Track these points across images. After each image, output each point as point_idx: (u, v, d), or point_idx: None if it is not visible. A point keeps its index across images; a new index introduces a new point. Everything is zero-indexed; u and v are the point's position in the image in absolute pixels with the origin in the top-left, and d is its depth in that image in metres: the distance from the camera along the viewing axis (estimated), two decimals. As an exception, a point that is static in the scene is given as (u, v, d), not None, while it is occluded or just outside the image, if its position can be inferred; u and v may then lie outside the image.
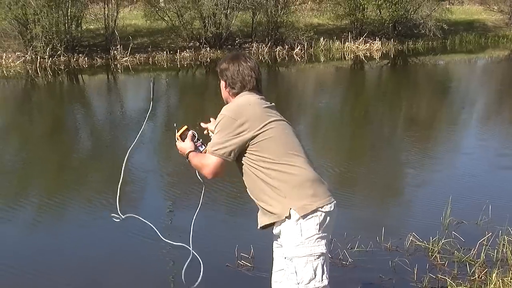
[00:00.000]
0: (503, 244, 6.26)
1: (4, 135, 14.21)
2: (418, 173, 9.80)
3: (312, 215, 3.75)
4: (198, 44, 28.12)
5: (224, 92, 4.11)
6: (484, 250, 6.12)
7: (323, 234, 3.79)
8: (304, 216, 3.75)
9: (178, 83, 23.96)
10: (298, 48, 28.67)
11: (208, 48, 27.87)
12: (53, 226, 7.98)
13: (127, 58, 26.51)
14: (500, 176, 9.61)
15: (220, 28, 27.69)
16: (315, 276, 3.77)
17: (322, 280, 3.79)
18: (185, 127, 4.21)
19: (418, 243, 6.55)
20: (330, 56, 28.79)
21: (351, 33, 30.10)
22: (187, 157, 4.08)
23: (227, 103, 4.07)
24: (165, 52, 27.30)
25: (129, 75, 25.04)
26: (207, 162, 3.89)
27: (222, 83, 4.10)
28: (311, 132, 13.55)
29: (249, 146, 3.80)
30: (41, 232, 7.74)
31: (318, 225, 3.76)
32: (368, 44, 30.09)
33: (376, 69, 26.93)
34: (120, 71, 25.45)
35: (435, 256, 6.24)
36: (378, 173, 9.85)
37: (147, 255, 6.65)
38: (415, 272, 5.82)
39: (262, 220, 3.96)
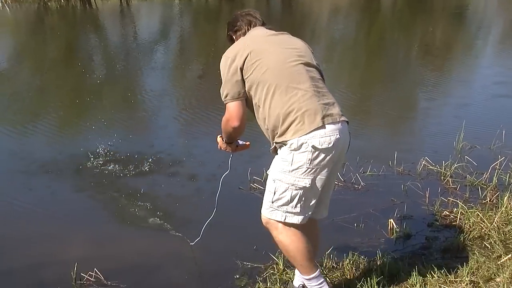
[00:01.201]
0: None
1: (18, 59, 14.22)
2: (432, 97, 9.80)
3: (306, 149, 3.70)
4: (212, -32, 27.72)
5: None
6: (497, 174, 6.14)
7: (315, 169, 3.75)
8: (297, 148, 3.72)
9: (191, 9, 23.74)
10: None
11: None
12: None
13: (140, -18, 26.24)
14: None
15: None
16: (290, 202, 3.80)
17: (295, 207, 3.81)
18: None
19: (430, 167, 6.58)
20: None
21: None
22: (220, 137, 4.20)
23: None
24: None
25: (142, 0, 24.84)
26: (226, 115, 3.89)
27: (234, 37, 4.08)
28: (326, 59, 13.45)
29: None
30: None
31: (309, 160, 3.71)
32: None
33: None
34: (133, -4, 25.26)
35: (447, 180, 6.27)
36: (392, 98, 9.85)
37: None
38: (427, 196, 5.84)
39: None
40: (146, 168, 7.01)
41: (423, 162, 6.61)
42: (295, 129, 3.68)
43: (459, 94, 10.00)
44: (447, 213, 5.56)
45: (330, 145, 3.69)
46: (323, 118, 3.67)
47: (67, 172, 6.96)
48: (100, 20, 21.11)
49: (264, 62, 3.76)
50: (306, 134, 3.65)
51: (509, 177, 6.18)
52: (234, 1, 24.88)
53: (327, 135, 3.68)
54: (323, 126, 3.67)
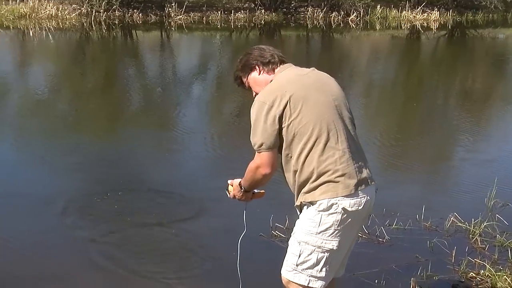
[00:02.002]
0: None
1: (57, 86, 14.32)
2: (466, 150, 9.53)
3: (335, 211, 3.60)
4: (253, 5, 27.92)
5: (260, 80, 3.85)
6: (528, 236, 5.92)
7: (343, 231, 3.66)
8: (326, 209, 3.61)
9: (231, 44, 23.81)
10: (354, 14, 28.25)
11: (263, 10, 27.64)
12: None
13: (181, 16, 26.49)
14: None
15: (276, -10, 27.45)
16: (315, 265, 3.69)
17: (320, 271, 3.70)
18: (228, 182, 4.13)
19: (459, 224, 6.36)
20: (386, 25, 28.31)
21: (409, 2, 29.44)
22: (242, 187, 3.96)
23: None
24: (219, 12, 27.18)
25: (182, 34, 25.05)
26: (256, 162, 3.72)
27: (253, 74, 3.87)
28: (362, 102, 13.30)
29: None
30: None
31: (338, 222, 3.62)
32: (425, 14, 29.45)
33: (432, 40, 26.38)
34: (173, 29, 25.47)
35: (476, 239, 6.05)
36: (425, 148, 9.66)
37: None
38: (453, 255, 5.64)
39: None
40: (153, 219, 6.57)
41: (452, 218, 6.39)
42: (326, 189, 3.57)
43: (493, 149, 9.71)
44: (474, 274, 5.34)
45: (360, 208, 3.62)
46: (356, 184, 3.59)
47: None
48: (140, 51, 21.26)
49: (305, 113, 3.59)
50: (336, 197, 3.56)
51: (540, 240, 5.95)
52: (274, 38, 24.91)
53: (358, 198, 3.61)
54: (356, 193, 3.60)
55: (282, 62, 3.85)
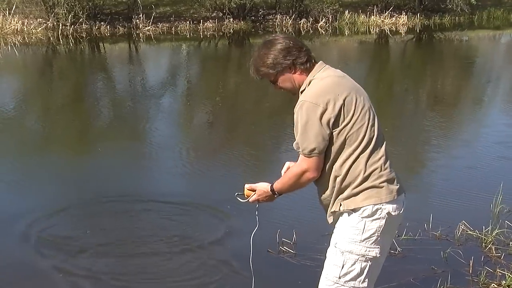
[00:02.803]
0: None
1: (24, 102, 13.92)
2: (463, 156, 9.32)
3: (379, 216, 3.52)
4: (221, 14, 27.65)
5: (297, 79, 3.64)
6: (543, 243, 5.78)
7: (383, 237, 3.58)
8: (371, 215, 3.52)
9: (200, 53, 23.59)
10: (323, 21, 28.14)
11: (231, 19, 27.40)
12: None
13: (149, 27, 26.13)
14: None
15: (244, -2, 27.26)
16: (359, 276, 3.58)
17: (363, 282, 3.60)
18: (245, 186, 3.95)
19: (469, 232, 6.21)
20: (355, 30, 28.26)
21: (377, 7, 29.47)
22: (275, 191, 3.77)
23: (301, 92, 3.63)
24: (188, 22, 26.90)
25: (151, 45, 24.74)
26: (303, 166, 3.55)
27: (286, 73, 3.63)
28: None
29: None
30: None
31: (381, 228, 3.54)
32: (394, 18, 29.45)
33: (401, 44, 26.40)
34: (142, 40, 25.13)
35: (490, 247, 5.90)
36: (420, 156, 9.50)
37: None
38: (471, 265, 5.50)
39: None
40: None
41: (462, 227, 6.24)
42: (370, 194, 3.48)
43: (494, 154, 9.50)
44: (495, 286, 5.20)
45: (400, 212, 3.57)
46: (397, 190, 3.54)
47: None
48: (108, 64, 20.91)
49: (356, 118, 3.48)
50: (381, 202, 3.48)
51: (556, 246, 5.82)
52: (244, 47, 24.76)
53: (399, 202, 3.56)
54: (397, 199, 3.54)
55: (313, 58, 3.67)
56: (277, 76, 3.64)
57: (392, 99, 14.52)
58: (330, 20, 28.22)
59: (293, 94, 3.71)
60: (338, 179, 3.51)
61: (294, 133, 3.59)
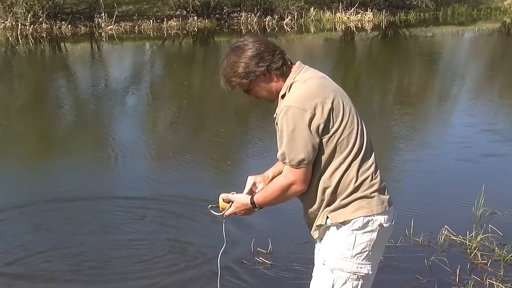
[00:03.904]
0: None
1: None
2: (436, 158, 9.00)
3: (371, 229, 3.22)
4: (185, 12, 27.27)
5: (274, 86, 3.30)
6: (531, 248, 5.52)
7: (374, 251, 3.28)
8: (362, 227, 3.21)
9: (164, 52, 23.20)
10: (288, 18, 27.90)
11: (195, 17, 27.04)
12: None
13: (112, 26, 25.68)
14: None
15: (208, -4, 26.91)
16: None
17: None
18: (220, 197, 3.54)
19: (452, 237, 5.95)
20: (321, 27, 28.09)
21: (342, 3, 29.31)
22: (255, 204, 3.38)
23: (282, 96, 3.28)
24: (151, 21, 26.47)
25: (113, 44, 24.31)
26: (290, 179, 3.19)
27: (262, 80, 3.27)
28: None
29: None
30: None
31: (372, 241, 3.24)
32: (359, 15, 29.35)
33: (366, 41, 26.30)
34: (104, 39, 24.69)
35: (475, 253, 5.63)
36: (393, 156, 9.22)
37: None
38: (457, 273, 5.22)
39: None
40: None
41: (444, 232, 5.96)
42: (360, 205, 3.16)
43: (475, 155, 9.24)
44: (484, 295, 4.92)
45: (392, 224, 3.28)
46: (389, 200, 3.25)
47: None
48: (70, 64, 20.41)
49: (345, 122, 3.15)
50: (372, 214, 3.17)
51: (544, 252, 5.57)
52: (209, 45, 24.44)
53: (390, 213, 3.26)
54: (388, 210, 3.23)
55: (289, 60, 3.32)
56: (251, 85, 3.28)
57: (357, 98, 14.25)
58: (295, 17, 27.99)
59: (270, 101, 3.37)
60: (328, 191, 3.19)
61: (277, 142, 3.24)
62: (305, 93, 3.15)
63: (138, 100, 13.88)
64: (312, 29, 27.55)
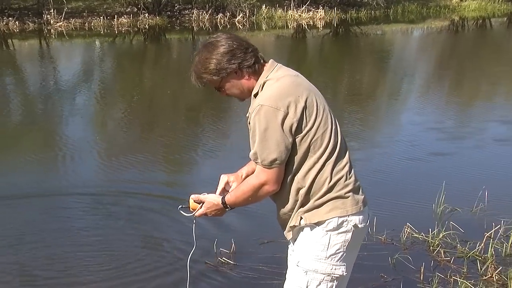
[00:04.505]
0: (510, 237, 5.68)
1: None
2: (393, 156, 9.02)
3: (346, 229, 3.17)
4: (136, 9, 26.99)
5: (246, 84, 3.23)
6: (492, 245, 5.54)
7: (349, 252, 3.24)
8: (336, 228, 3.16)
9: (115, 49, 22.94)
10: (240, 15, 27.84)
11: (146, 14, 26.77)
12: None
13: (61, 23, 25.27)
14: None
15: (160, -7, 26.69)
16: None
17: None
18: (191, 197, 3.46)
19: (415, 235, 5.95)
20: (273, 24, 28.09)
21: (294, 1, 29.36)
22: (227, 204, 3.31)
23: (255, 95, 3.21)
24: (101, 18, 26.10)
25: (63, 41, 23.92)
26: (262, 179, 3.12)
27: (233, 78, 3.21)
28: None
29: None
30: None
31: (347, 242, 3.19)
32: (311, 13, 29.44)
33: (318, 38, 26.40)
34: (53, 36, 24.31)
35: (438, 250, 5.64)
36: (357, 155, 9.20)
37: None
38: (421, 271, 5.21)
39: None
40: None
41: (407, 230, 5.97)
42: (334, 205, 3.11)
43: (432, 151, 9.30)
44: (449, 293, 4.92)
45: (366, 224, 3.25)
46: (363, 201, 3.21)
47: None
48: (17, 61, 20.02)
49: (319, 121, 3.10)
50: (347, 214, 3.12)
51: (505, 248, 5.60)
52: (160, 43, 24.23)
53: (365, 214, 3.22)
54: (363, 210, 3.19)
55: (262, 58, 3.25)
56: (222, 82, 3.21)
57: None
58: (247, 14, 27.95)
59: (242, 100, 3.31)
60: (302, 191, 3.12)
61: (250, 141, 3.17)
62: (278, 91, 3.08)
63: (88, 98, 13.63)
64: (264, 27, 27.54)
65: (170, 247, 5.93)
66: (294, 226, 3.22)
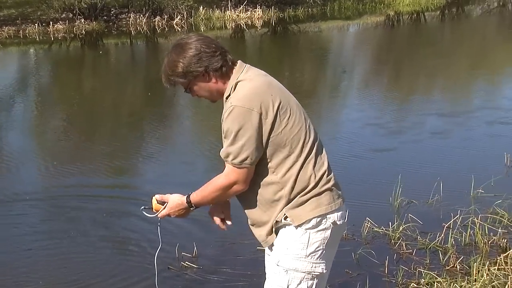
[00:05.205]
0: (469, 227, 5.77)
1: None
2: (343, 149, 9.10)
3: (324, 227, 3.15)
4: (71, 15, 26.51)
5: (214, 86, 3.20)
6: (451, 235, 5.63)
7: (328, 250, 3.23)
8: (315, 226, 3.13)
9: (51, 57, 22.53)
10: (178, 18, 27.59)
11: (82, 20, 26.31)
12: None
13: (-7, 31, 24.65)
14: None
15: (94, -3, 26.29)
16: None
17: None
18: (154, 198, 3.39)
19: (375, 229, 6.00)
20: (211, 26, 27.95)
21: (231, 1, 29.31)
22: (192, 204, 3.26)
23: (227, 97, 3.18)
24: (36, 24, 25.53)
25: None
26: (231, 178, 3.10)
27: (201, 80, 3.18)
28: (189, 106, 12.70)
29: None
30: None
31: (326, 240, 3.18)
32: (248, 12, 29.41)
33: (256, 38, 26.44)
34: (-15, 45, 23.65)
35: (399, 243, 5.70)
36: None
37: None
38: (386, 265, 5.26)
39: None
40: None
41: (366, 224, 6.01)
42: (316, 203, 3.10)
43: (384, 143, 9.41)
44: (414, 285, 4.97)
45: (345, 221, 3.25)
46: (341, 196, 3.23)
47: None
48: None
49: (293, 120, 3.08)
50: (326, 211, 3.11)
51: (464, 237, 5.68)
52: (97, 48, 23.90)
53: (343, 210, 3.23)
54: (341, 207, 3.20)
55: (230, 61, 3.21)
56: (190, 84, 3.19)
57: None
58: (185, 16, 27.71)
59: (212, 101, 3.29)
60: (283, 192, 3.09)
61: (222, 142, 3.14)
62: (250, 92, 3.07)
63: (24, 108, 13.33)
64: (202, 28, 27.38)
65: (136, 248, 5.90)
66: (277, 222, 3.17)
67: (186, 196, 3.27)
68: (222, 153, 3.10)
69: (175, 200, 3.30)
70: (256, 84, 3.11)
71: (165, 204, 3.34)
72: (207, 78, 3.15)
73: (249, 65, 3.26)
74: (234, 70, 3.18)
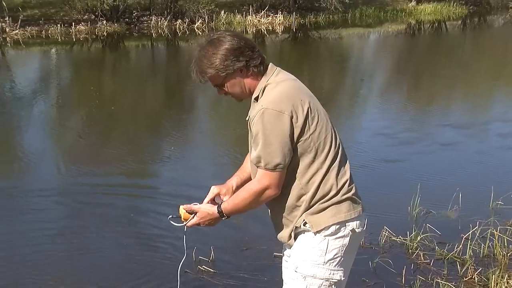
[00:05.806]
0: (488, 238, 5.73)
1: None
2: (363, 159, 9.09)
3: (343, 234, 3.16)
4: (93, 17, 26.70)
5: (245, 82, 3.18)
6: (470, 246, 5.58)
7: (347, 257, 3.24)
8: (334, 233, 3.14)
9: (73, 57, 22.66)
10: (199, 21, 27.71)
11: (104, 21, 26.50)
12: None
13: (17, 31, 24.84)
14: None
15: (117, 0, 26.38)
16: None
17: None
18: (181, 207, 3.37)
19: (393, 238, 5.98)
20: (232, 30, 28.02)
21: (252, 6, 29.37)
22: (223, 213, 3.24)
23: (255, 99, 3.17)
24: (58, 25, 25.73)
25: (19, 50, 23.54)
26: (264, 183, 3.07)
27: (238, 76, 3.14)
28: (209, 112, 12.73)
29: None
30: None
31: (344, 247, 3.18)
32: (270, 18, 29.48)
33: (277, 43, 26.46)
34: (9, 45, 23.87)
35: (417, 253, 5.67)
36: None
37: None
38: (403, 274, 5.23)
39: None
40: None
41: (385, 233, 5.98)
42: (336, 211, 3.10)
43: (402, 154, 9.41)
44: (432, 295, 4.95)
45: (363, 229, 3.24)
46: (361, 204, 3.23)
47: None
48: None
49: (321, 125, 3.08)
50: (345, 219, 3.12)
51: (482, 249, 5.65)
52: (118, 50, 24.03)
53: (363, 218, 3.22)
54: (361, 215, 3.20)
55: (265, 59, 3.21)
56: (226, 79, 3.15)
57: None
58: (206, 20, 27.83)
59: (240, 100, 3.26)
60: (305, 198, 3.10)
61: (252, 145, 3.13)
62: (281, 95, 3.06)
63: (46, 107, 13.43)
64: (223, 33, 27.48)
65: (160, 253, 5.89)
66: (296, 228, 3.18)
67: (217, 206, 3.26)
68: (254, 159, 3.09)
69: (206, 210, 3.29)
70: (287, 87, 3.11)
71: (193, 214, 3.34)
72: (245, 73, 3.14)
73: (279, 68, 3.25)
74: (268, 71, 3.18)
